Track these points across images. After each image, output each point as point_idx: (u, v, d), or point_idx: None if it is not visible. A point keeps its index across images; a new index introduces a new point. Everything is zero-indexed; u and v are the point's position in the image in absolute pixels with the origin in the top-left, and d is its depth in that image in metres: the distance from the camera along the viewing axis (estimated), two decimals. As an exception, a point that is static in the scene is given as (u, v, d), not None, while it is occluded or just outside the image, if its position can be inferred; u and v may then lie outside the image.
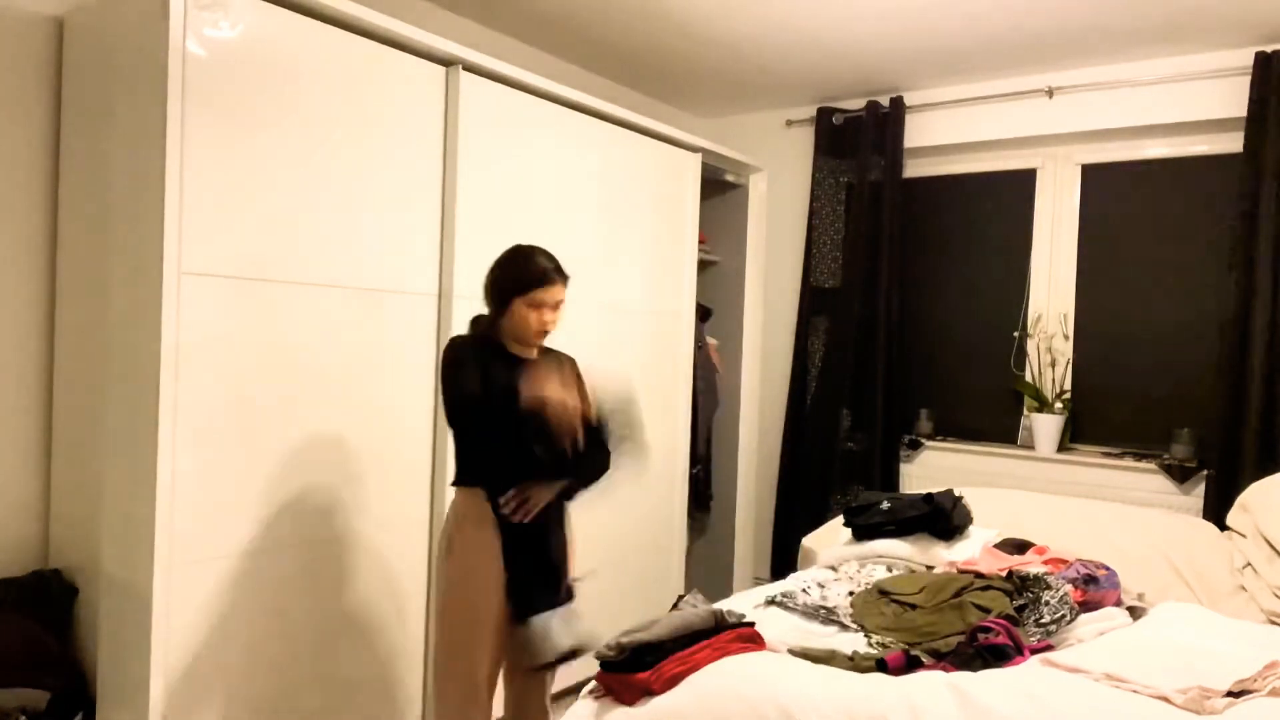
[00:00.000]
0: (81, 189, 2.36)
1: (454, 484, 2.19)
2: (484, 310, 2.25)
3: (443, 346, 2.21)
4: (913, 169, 4.10)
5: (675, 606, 2.21)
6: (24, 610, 2.25)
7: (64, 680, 2.22)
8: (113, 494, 2.22)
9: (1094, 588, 2.24)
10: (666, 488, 3.71)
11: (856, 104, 4.11)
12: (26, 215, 2.39)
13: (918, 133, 3.99)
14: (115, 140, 2.22)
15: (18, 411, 2.39)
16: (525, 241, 2.25)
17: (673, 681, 1.84)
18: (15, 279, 2.37)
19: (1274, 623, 2.46)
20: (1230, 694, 1.73)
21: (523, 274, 2.16)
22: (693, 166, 3.79)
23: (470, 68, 2.76)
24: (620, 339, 3.41)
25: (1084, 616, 2.15)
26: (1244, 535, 2.83)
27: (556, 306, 2.20)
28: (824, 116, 4.16)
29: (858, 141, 4.08)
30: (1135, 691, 1.74)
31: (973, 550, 2.72)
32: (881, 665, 1.91)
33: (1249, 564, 2.71)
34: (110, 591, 2.22)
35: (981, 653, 1.93)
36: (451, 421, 2.13)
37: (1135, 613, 2.24)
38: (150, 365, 2.11)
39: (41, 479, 2.43)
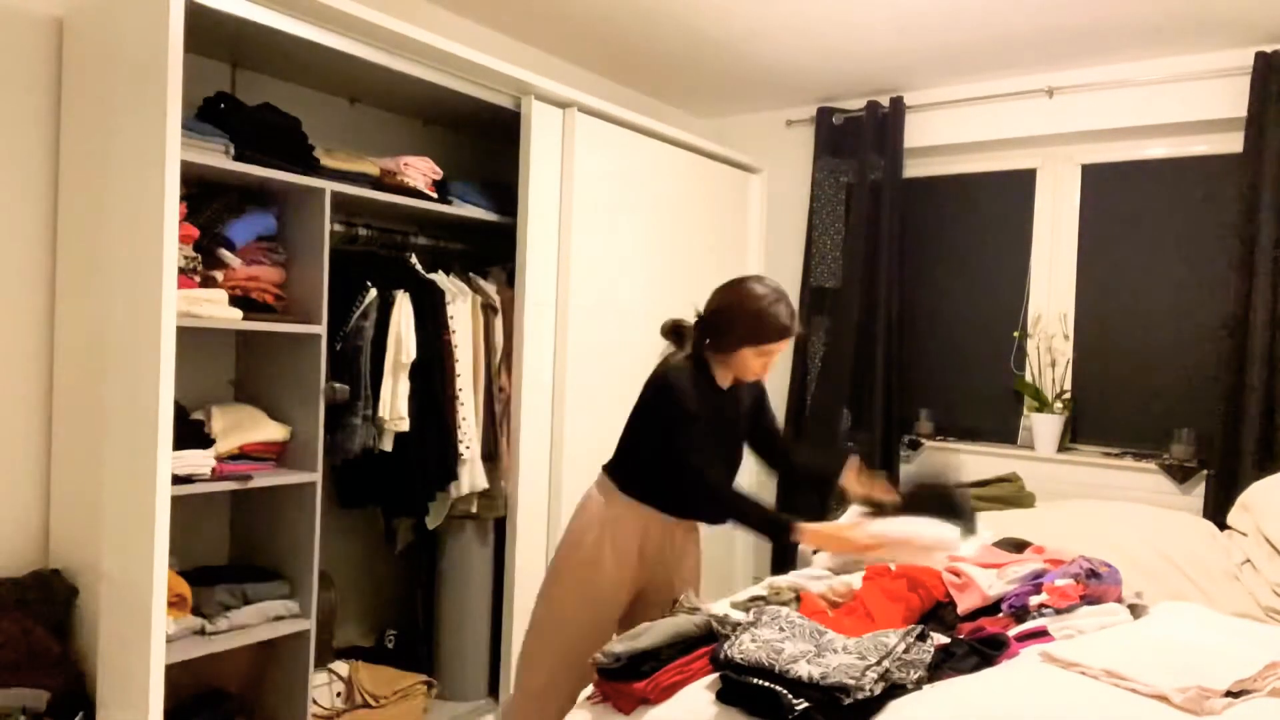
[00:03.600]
0: (81, 189, 2.36)
1: (620, 489, 2.26)
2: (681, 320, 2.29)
3: (658, 371, 2.28)
4: (913, 169, 4.10)
5: (671, 610, 2.20)
6: (24, 610, 2.25)
7: (64, 680, 2.22)
8: (113, 494, 2.22)
9: (1096, 582, 2.24)
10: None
11: (856, 104, 4.11)
12: (26, 215, 2.39)
13: (918, 133, 3.99)
14: (115, 140, 2.22)
15: (18, 411, 2.39)
16: (748, 278, 2.25)
17: (669, 691, 1.82)
18: (15, 279, 2.37)
19: (1273, 619, 2.46)
20: (1230, 694, 1.72)
21: (764, 330, 2.16)
22: (757, 186, 4.19)
23: (583, 109, 3.18)
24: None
25: (1086, 609, 2.16)
26: (1244, 534, 2.83)
27: (778, 352, 2.22)
28: (824, 116, 4.16)
29: (858, 141, 4.07)
30: (1134, 690, 1.74)
31: (970, 549, 2.72)
32: None
33: (1248, 560, 2.71)
34: (110, 591, 2.22)
35: (975, 648, 1.93)
36: (661, 442, 2.18)
37: (1136, 611, 2.24)
38: (150, 365, 2.11)
39: (41, 479, 2.43)
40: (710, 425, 2.21)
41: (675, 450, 2.17)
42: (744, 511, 2.19)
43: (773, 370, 2.29)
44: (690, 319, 2.29)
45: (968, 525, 2.36)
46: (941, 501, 2.35)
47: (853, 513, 2.43)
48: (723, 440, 2.29)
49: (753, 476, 3.47)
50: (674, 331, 2.31)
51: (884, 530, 2.21)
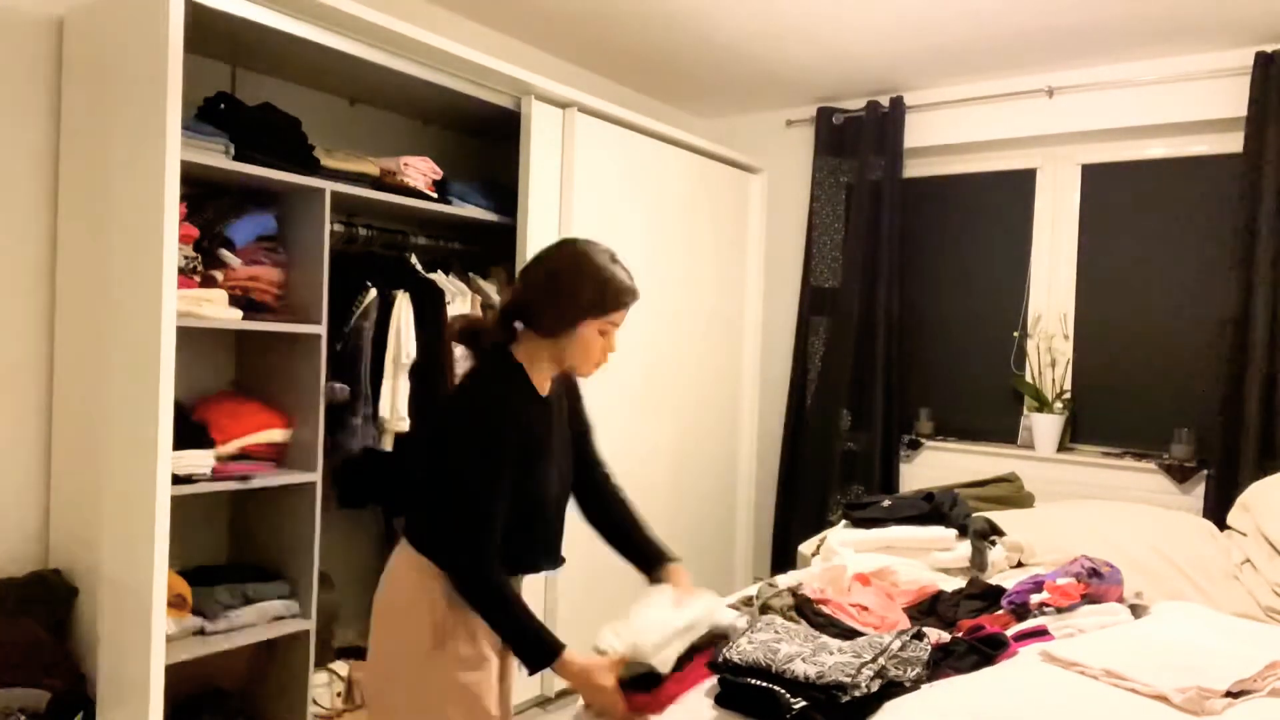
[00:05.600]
0: (81, 189, 2.36)
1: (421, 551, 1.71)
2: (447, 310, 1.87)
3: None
4: (913, 169, 4.10)
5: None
6: (24, 610, 2.25)
7: (64, 680, 2.22)
8: (113, 494, 2.22)
9: (1098, 581, 2.25)
10: (730, 478, 4.08)
11: (856, 104, 4.11)
12: (26, 215, 2.39)
13: (918, 133, 3.99)
14: (115, 140, 2.22)
15: (18, 411, 2.39)
16: (570, 239, 1.78)
17: (670, 700, 1.78)
18: (15, 279, 2.37)
19: (1273, 619, 2.47)
20: (1230, 694, 1.72)
21: (611, 292, 1.69)
22: (757, 186, 4.22)
23: (583, 109, 3.17)
24: (692, 342, 3.84)
25: (1086, 608, 2.16)
26: (1244, 534, 2.83)
27: (618, 328, 1.75)
28: (824, 116, 4.16)
29: (858, 141, 4.07)
30: (1134, 690, 1.74)
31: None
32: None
33: (1248, 560, 2.71)
34: (110, 591, 2.22)
35: (975, 647, 1.93)
36: (468, 491, 1.63)
37: (1136, 611, 2.24)
38: (150, 365, 2.11)
39: (42, 479, 2.43)
40: (529, 454, 1.69)
41: (459, 504, 1.62)
42: (511, 621, 1.65)
43: (609, 359, 1.78)
44: (473, 315, 1.81)
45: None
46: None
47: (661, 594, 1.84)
48: (544, 470, 1.74)
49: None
50: (466, 333, 1.77)
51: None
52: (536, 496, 1.73)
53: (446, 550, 1.67)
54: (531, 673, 1.66)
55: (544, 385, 1.77)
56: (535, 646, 1.66)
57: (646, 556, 1.93)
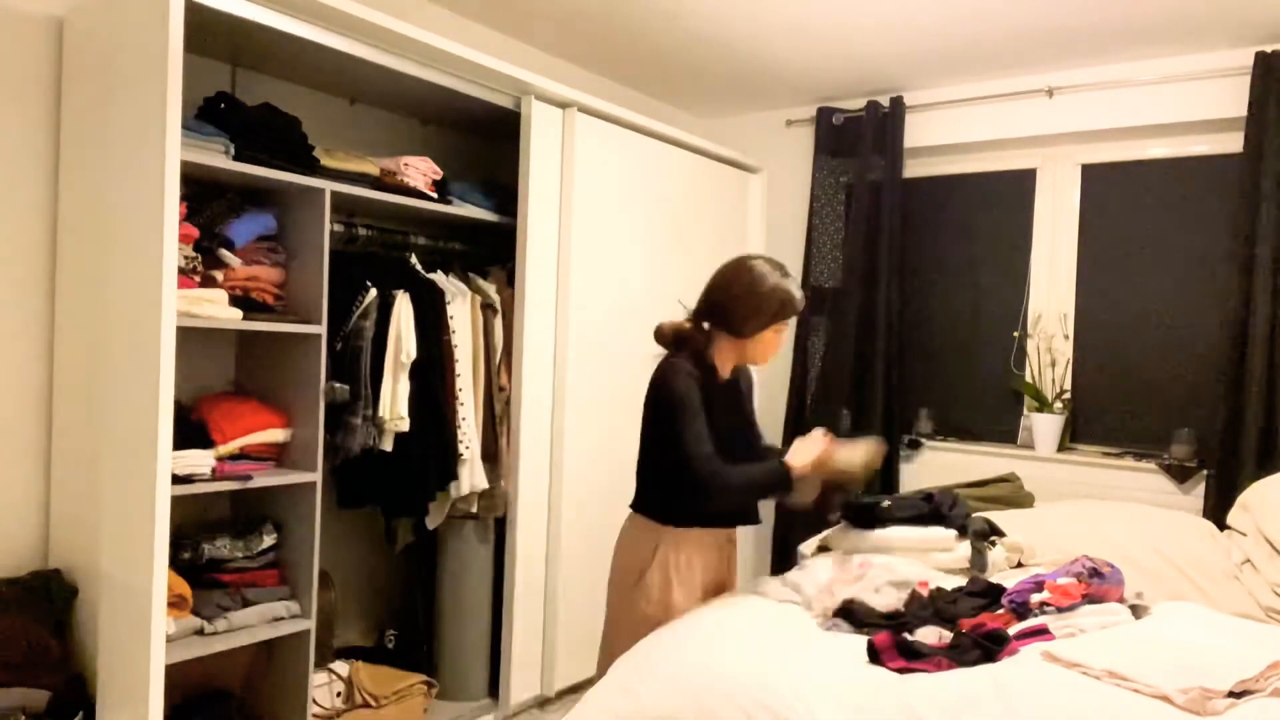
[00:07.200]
0: (81, 189, 2.36)
1: (661, 522, 2.19)
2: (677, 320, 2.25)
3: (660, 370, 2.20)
4: (913, 169, 4.10)
5: None
6: (24, 610, 2.24)
7: (64, 680, 2.22)
8: (113, 494, 2.22)
9: (1099, 581, 2.25)
10: None
11: (856, 104, 4.11)
12: (26, 215, 2.38)
13: (918, 133, 3.99)
14: (115, 140, 2.22)
15: (18, 412, 2.39)
16: (749, 257, 2.22)
17: None
18: (15, 279, 2.37)
19: (1274, 619, 2.46)
20: (1232, 694, 1.72)
21: (787, 302, 2.18)
22: (757, 186, 4.22)
23: (583, 109, 3.19)
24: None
25: (1087, 608, 2.16)
26: (1244, 534, 2.83)
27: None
28: (824, 116, 4.16)
29: (858, 141, 4.07)
30: (1136, 690, 1.74)
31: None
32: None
33: (1248, 560, 2.71)
34: (110, 591, 2.22)
35: (979, 642, 1.93)
36: (680, 435, 2.09)
37: (1138, 612, 2.24)
38: (150, 365, 2.11)
39: (42, 479, 2.43)
40: (717, 419, 2.15)
41: (677, 443, 2.09)
42: (752, 479, 2.16)
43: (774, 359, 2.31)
44: (678, 320, 2.26)
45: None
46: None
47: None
48: (728, 435, 2.21)
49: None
50: (677, 338, 2.24)
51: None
52: (722, 452, 2.12)
53: (680, 487, 2.11)
54: (788, 497, 2.18)
55: (725, 370, 2.24)
56: (774, 482, 2.16)
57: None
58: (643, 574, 2.17)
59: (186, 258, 2.31)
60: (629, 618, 2.19)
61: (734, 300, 2.17)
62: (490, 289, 3.16)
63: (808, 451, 2.17)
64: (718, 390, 2.20)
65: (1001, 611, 2.22)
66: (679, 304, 2.25)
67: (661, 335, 2.26)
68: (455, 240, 3.30)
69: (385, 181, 2.86)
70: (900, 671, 1.84)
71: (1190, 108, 3.42)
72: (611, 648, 2.20)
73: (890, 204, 3.97)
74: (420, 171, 2.93)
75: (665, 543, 2.18)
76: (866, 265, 4.02)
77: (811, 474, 2.17)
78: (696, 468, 2.06)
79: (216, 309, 2.37)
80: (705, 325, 2.21)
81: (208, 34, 2.39)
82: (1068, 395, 3.74)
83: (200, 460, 2.34)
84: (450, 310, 2.98)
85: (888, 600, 2.23)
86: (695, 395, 2.10)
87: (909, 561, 2.66)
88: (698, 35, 3.46)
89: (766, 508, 4.30)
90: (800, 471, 2.14)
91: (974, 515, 2.91)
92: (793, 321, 2.28)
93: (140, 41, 2.15)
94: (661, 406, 2.14)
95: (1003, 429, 3.91)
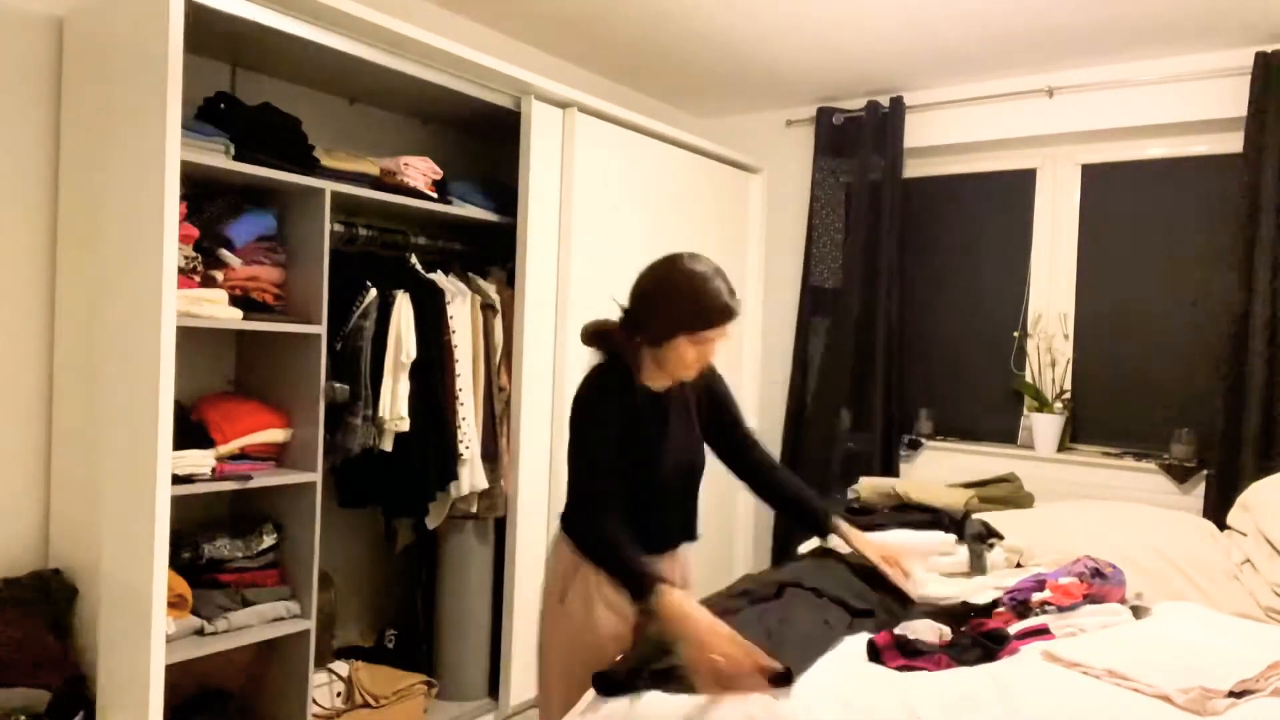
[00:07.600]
0: (82, 189, 2.36)
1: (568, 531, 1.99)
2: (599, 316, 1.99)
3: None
4: (913, 169, 4.10)
5: None
6: (24, 610, 2.24)
7: (64, 680, 2.22)
8: (113, 494, 2.22)
9: (1100, 582, 2.25)
10: (730, 477, 3.96)
11: (856, 104, 4.11)
12: (26, 215, 2.38)
13: (918, 133, 3.99)
14: (115, 140, 2.22)
15: (18, 412, 2.39)
16: (679, 254, 1.92)
17: None
18: (15, 279, 2.37)
19: (1274, 619, 2.46)
20: (1232, 694, 1.72)
21: (703, 309, 1.85)
22: (757, 186, 4.24)
23: (583, 109, 3.18)
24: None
25: (1088, 608, 2.16)
26: (1244, 534, 2.83)
27: (718, 341, 1.91)
28: (824, 116, 4.16)
29: (858, 141, 4.07)
30: (1137, 690, 1.74)
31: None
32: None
33: (1248, 560, 2.71)
34: (110, 591, 2.22)
35: (979, 641, 1.93)
36: (580, 464, 1.89)
37: (1138, 612, 2.24)
38: (150, 365, 2.11)
39: (42, 479, 2.43)
40: (640, 436, 1.92)
41: (572, 470, 1.89)
42: (614, 560, 1.84)
43: (717, 359, 2.02)
44: (604, 319, 1.98)
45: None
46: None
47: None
48: (658, 452, 1.96)
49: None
50: (596, 336, 1.98)
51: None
52: (650, 474, 1.94)
53: (572, 514, 1.97)
54: (636, 603, 1.79)
55: (656, 381, 1.97)
56: (631, 586, 1.79)
57: (815, 523, 2.29)
58: (565, 593, 1.98)
59: (186, 258, 2.31)
60: (554, 638, 2.01)
61: (644, 299, 1.91)
62: (490, 289, 3.16)
63: (694, 621, 1.70)
64: (649, 405, 1.95)
65: (1001, 610, 2.22)
66: (613, 300, 1.98)
67: (583, 335, 2.00)
68: (455, 240, 3.30)
69: (385, 181, 2.86)
70: (900, 670, 1.84)
71: (1190, 108, 3.42)
72: (543, 665, 2.04)
73: (890, 204, 3.97)
74: (420, 171, 2.93)
75: (587, 562, 1.94)
76: (866, 265, 4.02)
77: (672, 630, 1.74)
78: (580, 511, 1.92)
79: (216, 309, 2.37)
80: (631, 329, 1.94)
81: (208, 34, 2.39)
82: (1068, 395, 3.74)
83: (200, 460, 2.35)
84: (450, 310, 2.98)
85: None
86: (606, 420, 1.87)
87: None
88: (698, 35, 3.46)
89: (765, 510, 4.29)
90: (664, 616, 1.73)
91: (971, 518, 2.91)
92: (726, 332, 1.91)
93: (140, 42, 2.15)
94: (571, 426, 1.91)
95: (1003, 429, 3.91)
